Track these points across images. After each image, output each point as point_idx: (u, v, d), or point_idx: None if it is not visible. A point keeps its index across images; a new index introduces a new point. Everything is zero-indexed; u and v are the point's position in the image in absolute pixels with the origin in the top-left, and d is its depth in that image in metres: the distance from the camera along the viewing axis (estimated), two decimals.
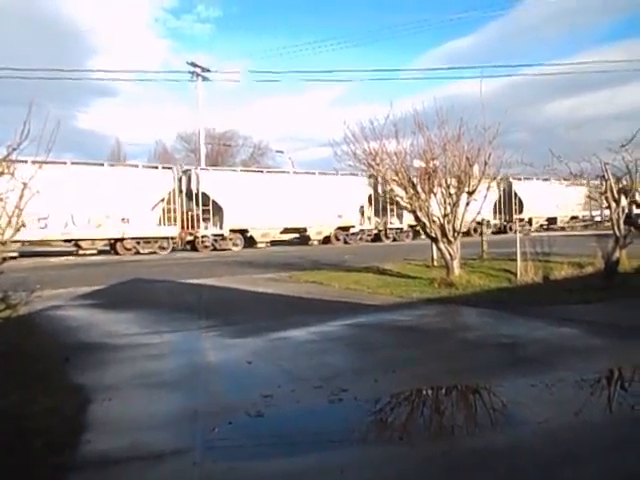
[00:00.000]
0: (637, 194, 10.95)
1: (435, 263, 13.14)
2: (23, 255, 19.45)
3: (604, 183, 10.35)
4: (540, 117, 72.17)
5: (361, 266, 13.89)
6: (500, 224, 35.95)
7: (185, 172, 26.77)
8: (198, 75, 36.52)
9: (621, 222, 9.81)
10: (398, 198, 11.09)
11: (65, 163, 23.13)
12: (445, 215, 10.82)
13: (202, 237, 26.42)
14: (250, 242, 27.71)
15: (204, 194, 26.09)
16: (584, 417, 3.67)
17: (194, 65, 36.52)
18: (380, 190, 28.05)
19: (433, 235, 10.91)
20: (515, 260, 10.95)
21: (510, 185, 34.66)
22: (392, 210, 30.43)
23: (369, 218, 31.54)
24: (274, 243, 28.84)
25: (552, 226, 37.22)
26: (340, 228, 30.36)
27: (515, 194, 35.80)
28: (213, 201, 26.25)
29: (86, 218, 23.16)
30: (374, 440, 3.47)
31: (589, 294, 8.34)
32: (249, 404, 3.95)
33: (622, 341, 5.97)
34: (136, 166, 26.44)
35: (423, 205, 10.88)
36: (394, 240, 31.77)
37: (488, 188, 11.26)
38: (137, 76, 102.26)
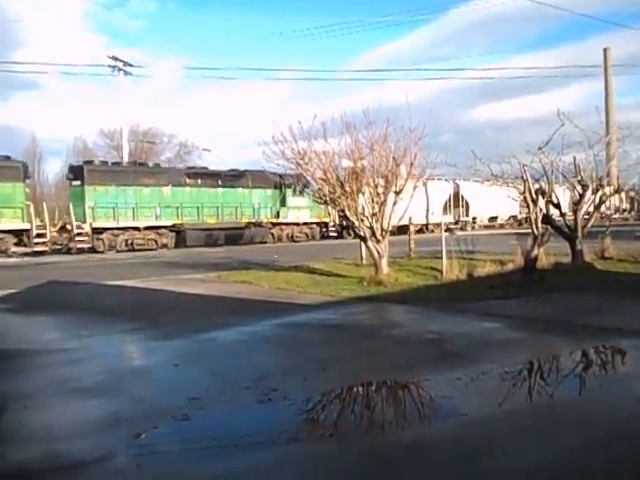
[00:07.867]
0: (553, 194, 11.49)
1: (364, 262, 13.28)
2: None
3: (523, 184, 10.82)
4: (467, 120, 75.03)
5: (291, 265, 13.86)
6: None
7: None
8: (120, 69, 35.24)
9: (539, 221, 10.26)
10: (326, 197, 11.12)
11: None
12: (373, 214, 10.95)
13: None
14: None
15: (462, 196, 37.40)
16: (506, 407, 3.79)
17: (115, 59, 35.16)
18: None
19: (362, 234, 11.02)
20: (441, 258, 11.25)
21: None
22: None
23: None
24: None
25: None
26: None
27: None
28: (466, 201, 37.43)
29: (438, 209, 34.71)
30: (305, 439, 3.43)
31: (510, 290, 8.67)
32: (175, 408, 3.82)
33: (539, 334, 6.27)
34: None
35: (352, 204, 10.97)
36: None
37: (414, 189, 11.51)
38: (62, 70, 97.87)
